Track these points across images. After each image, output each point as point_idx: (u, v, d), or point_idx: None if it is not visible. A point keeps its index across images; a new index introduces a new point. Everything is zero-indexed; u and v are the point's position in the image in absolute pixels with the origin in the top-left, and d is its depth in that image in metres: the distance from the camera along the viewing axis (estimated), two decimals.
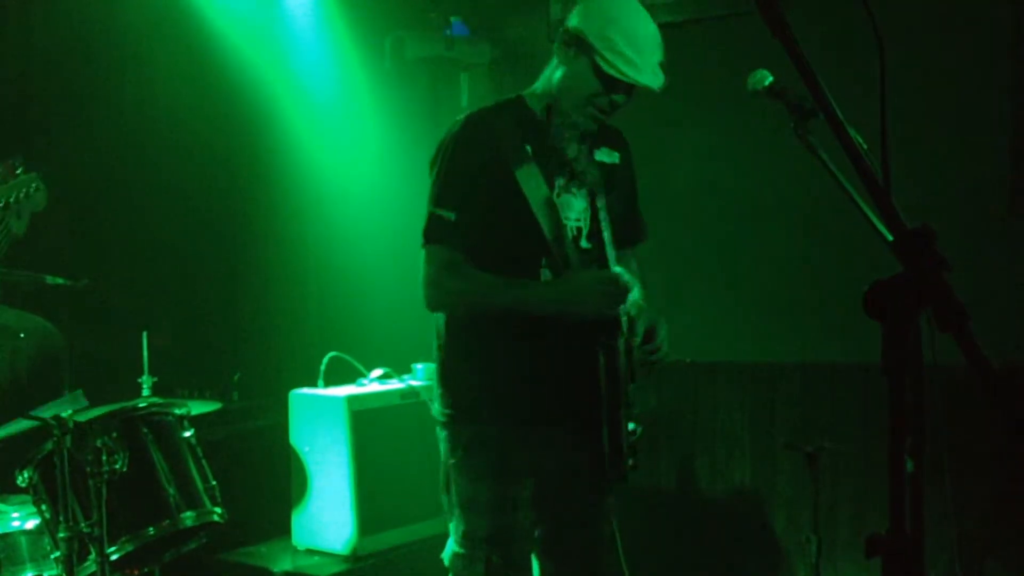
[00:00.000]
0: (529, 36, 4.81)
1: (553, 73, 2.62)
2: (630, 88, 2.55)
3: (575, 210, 2.58)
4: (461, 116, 2.66)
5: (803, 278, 4.21)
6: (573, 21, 2.57)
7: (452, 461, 2.68)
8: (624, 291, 2.46)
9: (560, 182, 2.54)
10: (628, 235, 2.84)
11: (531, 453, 2.63)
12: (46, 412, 2.70)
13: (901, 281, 1.24)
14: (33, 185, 2.88)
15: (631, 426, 2.56)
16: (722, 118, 4.26)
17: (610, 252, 2.49)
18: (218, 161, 5.02)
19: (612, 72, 2.49)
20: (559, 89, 2.60)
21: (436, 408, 2.73)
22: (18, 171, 2.85)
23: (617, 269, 2.54)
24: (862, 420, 3.99)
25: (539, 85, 2.67)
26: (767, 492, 4.26)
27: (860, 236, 1.71)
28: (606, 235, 2.48)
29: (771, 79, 2.19)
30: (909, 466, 1.28)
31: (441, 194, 2.56)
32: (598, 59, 2.49)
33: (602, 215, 2.46)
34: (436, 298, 2.60)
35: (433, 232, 2.56)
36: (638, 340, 2.56)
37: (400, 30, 4.82)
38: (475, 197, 2.54)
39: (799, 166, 2.09)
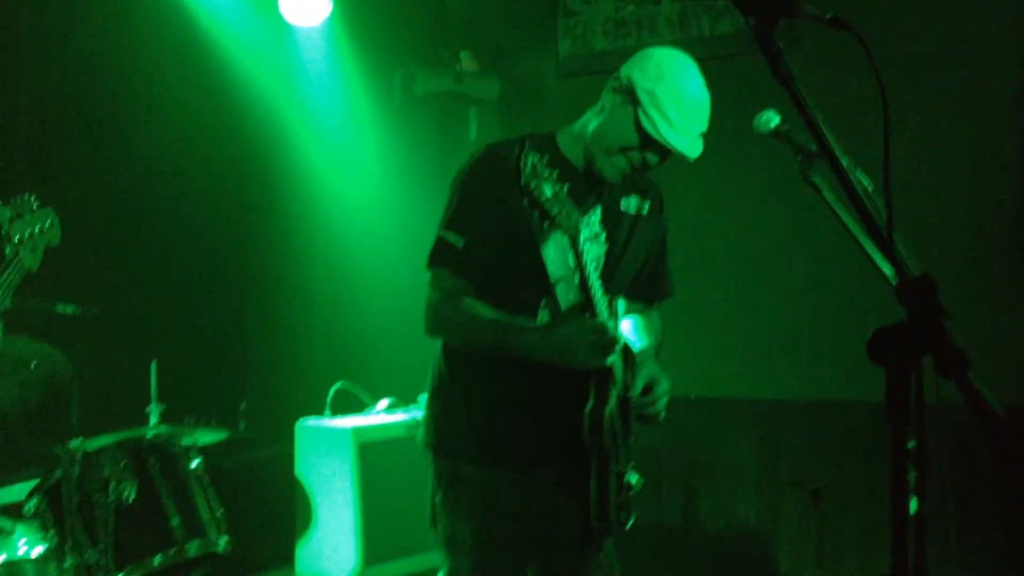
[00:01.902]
0: (538, 72, 4.84)
1: (595, 116, 2.56)
2: (665, 151, 2.49)
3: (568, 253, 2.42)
4: (484, 145, 2.64)
5: (809, 315, 4.22)
6: (626, 69, 2.52)
7: (437, 498, 2.64)
8: (612, 342, 2.39)
9: (540, 225, 2.36)
10: (648, 292, 2.78)
11: (513, 495, 2.58)
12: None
13: (903, 329, 1.26)
14: (48, 221, 2.89)
15: (633, 478, 2.52)
16: (727, 156, 4.27)
17: (599, 299, 2.40)
18: (227, 193, 5.06)
19: (649, 129, 2.44)
20: (593, 133, 2.54)
21: (420, 434, 2.71)
22: (34, 206, 2.87)
23: (605, 319, 2.43)
24: (867, 458, 3.98)
25: (576, 125, 2.62)
26: (771, 529, 4.24)
27: (866, 273, 1.72)
28: (593, 282, 2.38)
29: (777, 121, 2.21)
30: (913, 506, 1.28)
31: (451, 219, 2.54)
32: (640, 113, 2.44)
33: (586, 261, 2.36)
34: (433, 325, 2.60)
35: (437, 255, 2.55)
36: (635, 392, 2.50)
37: (410, 66, 4.87)
38: (484, 228, 2.52)
39: (806, 203, 2.11)
